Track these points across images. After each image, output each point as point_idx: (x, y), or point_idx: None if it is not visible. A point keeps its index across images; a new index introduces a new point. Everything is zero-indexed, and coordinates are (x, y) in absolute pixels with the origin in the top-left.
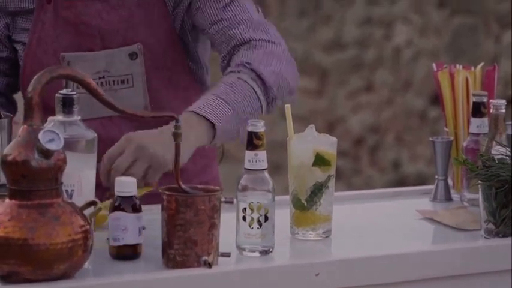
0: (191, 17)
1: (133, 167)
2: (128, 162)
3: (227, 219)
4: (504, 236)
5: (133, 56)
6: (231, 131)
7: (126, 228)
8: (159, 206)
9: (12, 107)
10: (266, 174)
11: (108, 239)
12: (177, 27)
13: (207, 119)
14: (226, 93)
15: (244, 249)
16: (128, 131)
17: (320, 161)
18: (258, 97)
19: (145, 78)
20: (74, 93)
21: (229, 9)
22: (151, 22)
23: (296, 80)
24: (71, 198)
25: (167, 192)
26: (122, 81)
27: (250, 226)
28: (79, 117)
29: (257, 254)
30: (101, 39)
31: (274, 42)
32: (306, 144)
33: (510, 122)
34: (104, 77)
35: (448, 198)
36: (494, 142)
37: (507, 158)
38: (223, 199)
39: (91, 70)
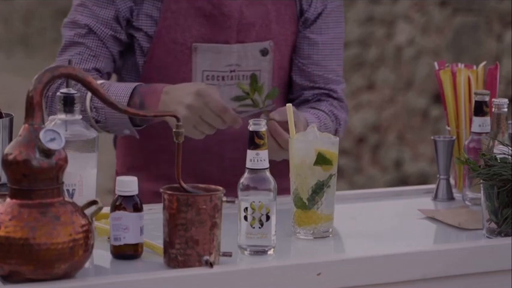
0: (300, 33)
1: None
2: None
3: (229, 219)
4: (506, 235)
5: (264, 52)
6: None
7: (128, 227)
8: (160, 205)
9: None
10: (268, 173)
11: (109, 238)
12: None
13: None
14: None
15: (245, 249)
16: (245, 126)
17: (322, 160)
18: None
19: (271, 75)
20: (76, 92)
21: (335, 57)
22: (283, 22)
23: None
24: (72, 197)
25: (168, 192)
26: (250, 77)
27: (251, 225)
28: (80, 116)
29: (258, 254)
30: (237, 33)
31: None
32: (308, 143)
33: None
34: (234, 71)
35: (450, 198)
36: (496, 141)
37: (509, 157)
38: (224, 198)
39: (223, 62)
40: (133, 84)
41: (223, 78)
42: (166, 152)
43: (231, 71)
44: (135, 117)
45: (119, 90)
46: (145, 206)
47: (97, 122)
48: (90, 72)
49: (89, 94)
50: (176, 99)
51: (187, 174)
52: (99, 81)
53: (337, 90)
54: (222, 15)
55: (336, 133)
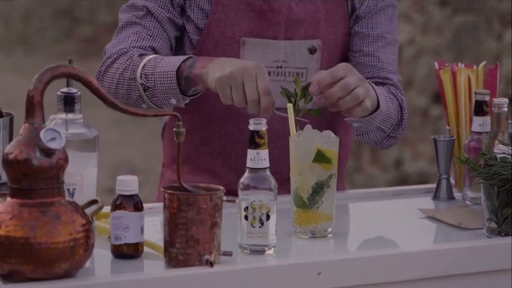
0: (350, 30)
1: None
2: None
3: (229, 218)
4: (506, 235)
5: (312, 50)
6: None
7: (128, 226)
8: (161, 205)
9: None
10: (268, 172)
11: (109, 237)
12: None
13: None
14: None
15: (246, 248)
16: (277, 124)
17: (321, 157)
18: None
19: None
20: (76, 91)
21: (388, 51)
22: (332, 21)
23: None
24: (72, 197)
25: (169, 191)
26: (297, 74)
27: (252, 225)
28: (81, 116)
29: (259, 253)
30: (286, 29)
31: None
32: (308, 142)
33: None
34: (281, 67)
35: (450, 197)
36: (496, 141)
37: (509, 156)
38: (225, 198)
39: (271, 58)
40: (186, 56)
41: (269, 73)
42: (208, 145)
43: (277, 67)
44: (183, 85)
45: (172, 60)
46: (145, 206)
47: (145, 90)
48: (146, 50)
49: (142, 63)
50: (230, 63)
51: (230, 170)
52: (148, 57)
53: (393, 78)
54: (272, 11)
55: (401, 109)
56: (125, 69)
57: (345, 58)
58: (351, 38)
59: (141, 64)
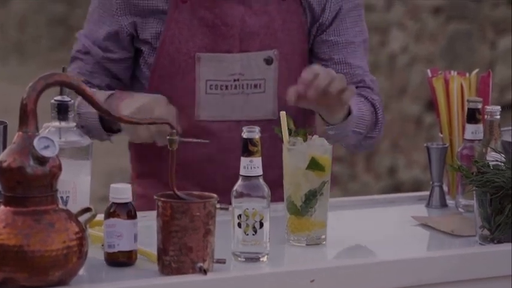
0: (316, 38)
1: None
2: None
3: (222, 226)
4: (499, 242)
5: (269, 61)
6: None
7: (121, 234)
8: (154, 213)
9: None
10: (261, 180)
11: (103, 245)
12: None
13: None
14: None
15: (239, 256)
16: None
17: (314, 164)
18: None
19: (277, 84)
20: (69, 99)
21: (358, 54)
22: (289, 30)
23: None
24: (66, 204)
25: (162, 199)
26: (255, 86)
27: (245, 232)
28: (74, 124)
29: (252, 260)
30: (240, 42)
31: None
32: (302, 150)
33: (505, 128)
34: (238, 80)
35: (443, 205)
36: (489, 148)
37: (502, 164)
38: (218, 205)
39: (226, 72)
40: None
41: (226, 87)
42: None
43: (234, 80)
44: (109, 123)
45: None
46: (139, 213)
47: (81, 127)
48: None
49: (77, 102)
50: (131, 105)
51: (193, 185)
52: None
53: (365, 79)
54: (224, 25)
55: (375, 109)
56: None
57: (303, 64)
58: (319, 46)
59: (76, 103)
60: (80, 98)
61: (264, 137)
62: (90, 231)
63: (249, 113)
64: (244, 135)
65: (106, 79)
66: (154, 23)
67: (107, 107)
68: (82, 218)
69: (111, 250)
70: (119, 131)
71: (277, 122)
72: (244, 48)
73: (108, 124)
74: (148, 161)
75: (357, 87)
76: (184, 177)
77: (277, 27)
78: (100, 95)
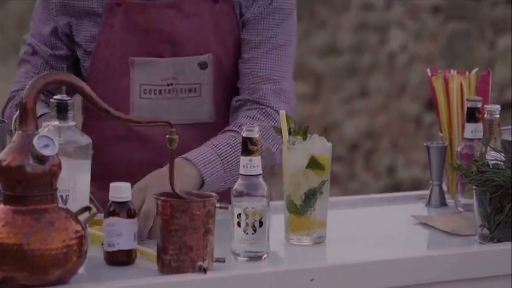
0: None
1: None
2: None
3: (222, 225)
4: (499, 241)
5: (203, 65)
6: (217, 186)
7: (121, 233)
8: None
9: None
10: (261, 179)
11: (102, 244)
12: None
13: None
14: (225, 155)
15: (239, 255)
16: (189, 140)
17: (314, 164)
18: None
19: (212, 88)
20: (69, 98)
21: (269, 57)
22: (221, 33)
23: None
24: (65, 203)
25: (162, 198)
26: (190, 90)
27: (245, 231)
28: (74, 123)
29: (252, 260)
30: (172, 47)
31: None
32: (301, 149)
33: (505, 127)
34: (171, 85)
35: (443, 204)
36: (488, 147)
37: (501, 163)
38: (218, 205)
39: (159, 76)
40: None
41: (160, 91)
42: (121, 163)
43: (168, 85)
44: None
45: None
46: None
47: None
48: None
49: (15, 116)
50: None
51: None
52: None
53: (263, 88)
54: (154, 30)
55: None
56: (8, 118)
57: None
58: (241, 43)
59: (14, 117)
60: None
61: (205, 139)
62: (89, 230)
63: (184, 117)
64: (244, 134)
65: None
66: (89, 26)
67: (105, 105)
68: (82, 217)
69: (110, 249)
70: None
71: (214, 125)
72: (176, 53)
73: None
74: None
75: (254, 104)
76: (123, 181)
77: (210, 31)
78: None
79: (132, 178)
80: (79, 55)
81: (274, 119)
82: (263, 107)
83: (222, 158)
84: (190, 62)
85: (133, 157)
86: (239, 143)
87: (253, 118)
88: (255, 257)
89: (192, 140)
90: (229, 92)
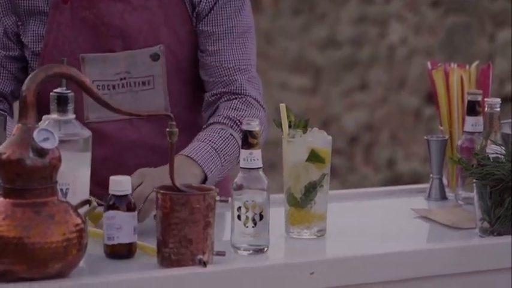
0: (195, 28)
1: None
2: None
3: (222, 218)
4: (499, 234)
5: (155, 57)
6: (214, 181)
7: (121, 227)
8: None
9: (11, 117)
10: (261, 172)
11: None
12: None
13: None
14: (221, 149)
15: (239, 248)
16: (147, 134)
17: (314, 157)
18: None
19: (166, 79)
20: (69, 91)
21: (235, 46)
22: (172, 24)
23: None
24: (65, 197)
25: (162, 191)
26: (143, 83)
27: (245, 225)
28: (74, 116)
29: (252, 253)
30: (123, 40)
31: (263, 108)
32: (301, 142)
33: (505, 121)
34: (125, 78)
35: (443, 197)
36: (489, 141)
37: (502, 156)
38: (218, 198)
39: (112, 71)
40: None
41: (113, 87)
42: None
43: (121, 79)
44: None
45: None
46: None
47: None
48: None
49: None
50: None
51: (95, 185)
52: None
53: (238, 79)
54: (104, 25)
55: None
56: None
57: (193, 57)
58: (198, 37)
59: None
60: None
61: (162, 132)
62: (90, 229)
63: (139, 110)
64: (244, 127)
65: (10, 84)
66: (36, 25)
67: (106, 98)
68: (82, 210)
69: (110, 242)
70: None
71: (170, 117)
72: (127, 46)
73: None
74: None
75: (233, 95)
76: (103, 172)
77: (160, 22)
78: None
79: (93, 174)
80: (27, 57)
81: (256, 108)
82: (242, 96)
83: (218, 153)
84: (142, 54)
85: (94, 153)
86: (230, 135)
87: (236, 109)
88: (255, 251)
89: (149, 133)
90: (184, 84)
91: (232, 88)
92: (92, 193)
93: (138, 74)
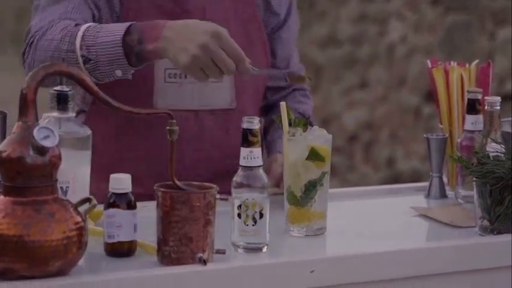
0: (272, 35)
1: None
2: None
3: (222, 216)
4: (499, 233)
5: None
6: None
7: (121, 225)
8: (154, 203)
9: None
10: (261, 171)
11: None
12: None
13: None
14: None
15: (239, 246)
16: (208, 128)
17: (314, 155)
18: None
19: (233, 75)
20: (69, 89)
21: (295, 49)
22: (241, 21)
23: None
24: (66, 195)
25: (162, 189)
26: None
27: (245, 223)
28: (74, 114)
29: (252, 251)
30: None
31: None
32: (302, 140)
33: (505, 119)
34: None
35: (443, 195)
36: (489, 139)
37: (502, 155)
38: (218, 196)
39: None
40: (127, 23)
41: (185, 76)
42: (131, 151)
43: None
44: (134, 61)
45: (114, 28)
46: (138, 204)
47: (86, 62)
48: (79, 22)
49: (81, 32)
50: (186, 35)
51: (152, 175)
52: (85, 26)
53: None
54: (185, 12)
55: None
56: (60, 40)
57: (261, 57)
58: (271, 42)
59: (80, 34)
60: (85, 27)
61: (224, 126)
62: (90, 227)
63: (206, 102)
64: (244, 125)
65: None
66: (111, 9)
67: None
68: (82, 208)
69: (110, 240)
70: (144, 60)
71: (234, 111)
72: None
73: (139, 62)
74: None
75: (293, 90)
76: (146, 168)
77: (230, 17)
78: (111, 28)
79: (148, 164)
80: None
81: (311, 99)
82: (300, 90)
83: None
84: None
85: (150, 143)
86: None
87: (300, 102)
88: (255, 249)
89: (211, 127)
90: (250, 82)
91: (296, 85)
92: (144, 186)
93: None
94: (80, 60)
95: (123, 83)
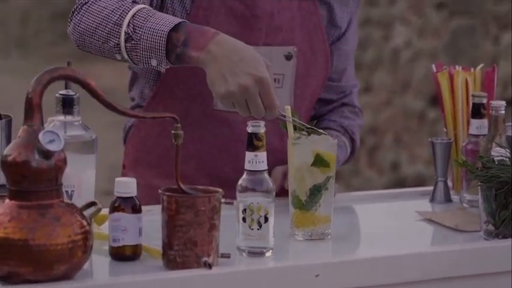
0: (331, 46)
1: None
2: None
3: (227, 220)
4: (504, 237)
5: (288, 57)
6: None
7: (126, 228)
8: (159, 207)
9: None
10: (266, 175)
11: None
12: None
13: None
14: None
15: (244, 250)
16: (266, 132)
17: (319, 161)
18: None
19: (294, 81)
20: (75, 93)
21: (352, 63)
22: (307, 29)
23: None
24: (71, 199)
25: (167, 193)
26: (274, 80)
27: (250, 227)
28: (79, 118)
29: (257, 255)
30: (266, 35)
31: (362, 113)
32: (307, 145)
33: (510, 123)
34: None
35: (448, 200)
36: (493, 143)
37: (507, 159)
38: (223, 200)
39: None
40: (179, 19)
41: None
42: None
43: None
44: (173, 59)
45: (163, 18)
46: (144, 208)
47: (127, 40)
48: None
49: (134, 11)
50: (230, 65)
51: (203, 175)
52: (140, 6)
53: (353, 92)
54: (254, 17)
55: (352, 142)
56: (113, 11)
57: (326, 65)
58: (330, 52)
59: (132, 12)
60: (139, 7)
61: (280, 132)
62: (95, 231)
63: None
64: (249, 129)
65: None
66: (181, 5)
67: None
68: (87, 212)
69: (116, 244)
70: (183, 62)
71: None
72: (268, 41)
73: (178, 62)
74: (150, 150)
75: (342, 105)
76: (195, 167)
77: (296, 24)
78: (163, 18)
79: (203, 164)
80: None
81: (360, 117)
82: (351, 106)
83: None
84: (278, 51)
85: (208, 144)
86: (343, 142)
87: (347, 118)
88: (259, 253)
89: (267, 132)
90: (307, 87)
91: (346, 100)
92: (198, 183)
93: (272, 70)
94: (123, 36)
95: (190, 81)
